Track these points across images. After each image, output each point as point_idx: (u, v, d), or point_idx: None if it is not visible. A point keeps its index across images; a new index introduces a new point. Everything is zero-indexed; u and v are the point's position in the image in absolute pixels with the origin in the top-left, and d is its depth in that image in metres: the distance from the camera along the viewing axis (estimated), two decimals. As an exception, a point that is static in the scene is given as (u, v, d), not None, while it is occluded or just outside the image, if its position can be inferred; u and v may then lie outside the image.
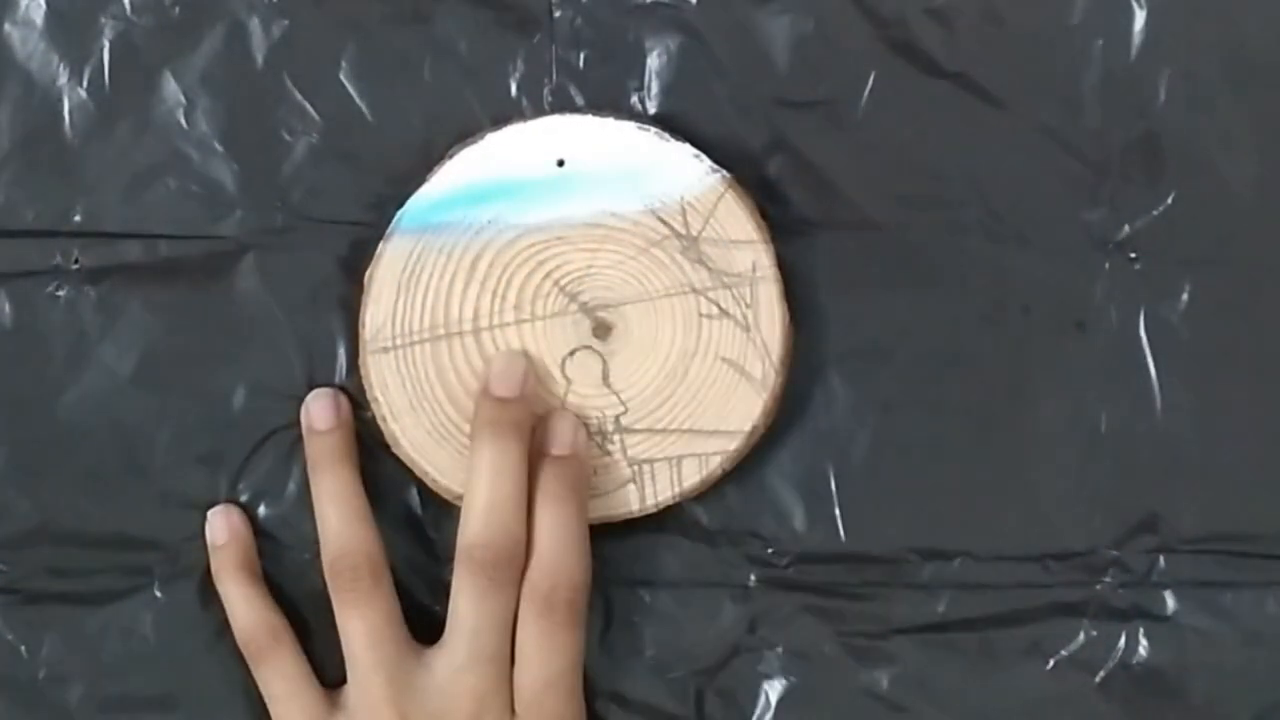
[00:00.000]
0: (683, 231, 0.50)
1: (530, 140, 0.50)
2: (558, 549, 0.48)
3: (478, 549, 0.48)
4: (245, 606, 0.51)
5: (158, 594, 0.52)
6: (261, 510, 0.52)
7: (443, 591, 0.50)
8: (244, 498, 0.52)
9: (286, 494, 0.52)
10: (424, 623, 0.50)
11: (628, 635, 0.52)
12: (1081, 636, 0.51)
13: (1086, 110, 0.51)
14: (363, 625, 0.49)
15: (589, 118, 0.51)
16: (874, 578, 0.52)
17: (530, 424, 0.49)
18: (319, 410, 0.51)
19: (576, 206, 0.50)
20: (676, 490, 0.50)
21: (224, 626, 0.51)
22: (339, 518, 0.49)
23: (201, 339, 0.52)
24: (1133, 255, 0.51)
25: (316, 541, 0.51)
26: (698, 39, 0.51)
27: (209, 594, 0.52)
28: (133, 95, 0.52)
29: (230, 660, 0.52)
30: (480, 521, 0.48)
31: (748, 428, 0.50)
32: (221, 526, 0.51)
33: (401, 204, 0.50)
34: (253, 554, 0.52)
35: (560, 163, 0.50)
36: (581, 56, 0.52)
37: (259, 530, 0.52)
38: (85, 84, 0.52)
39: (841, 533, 0.52)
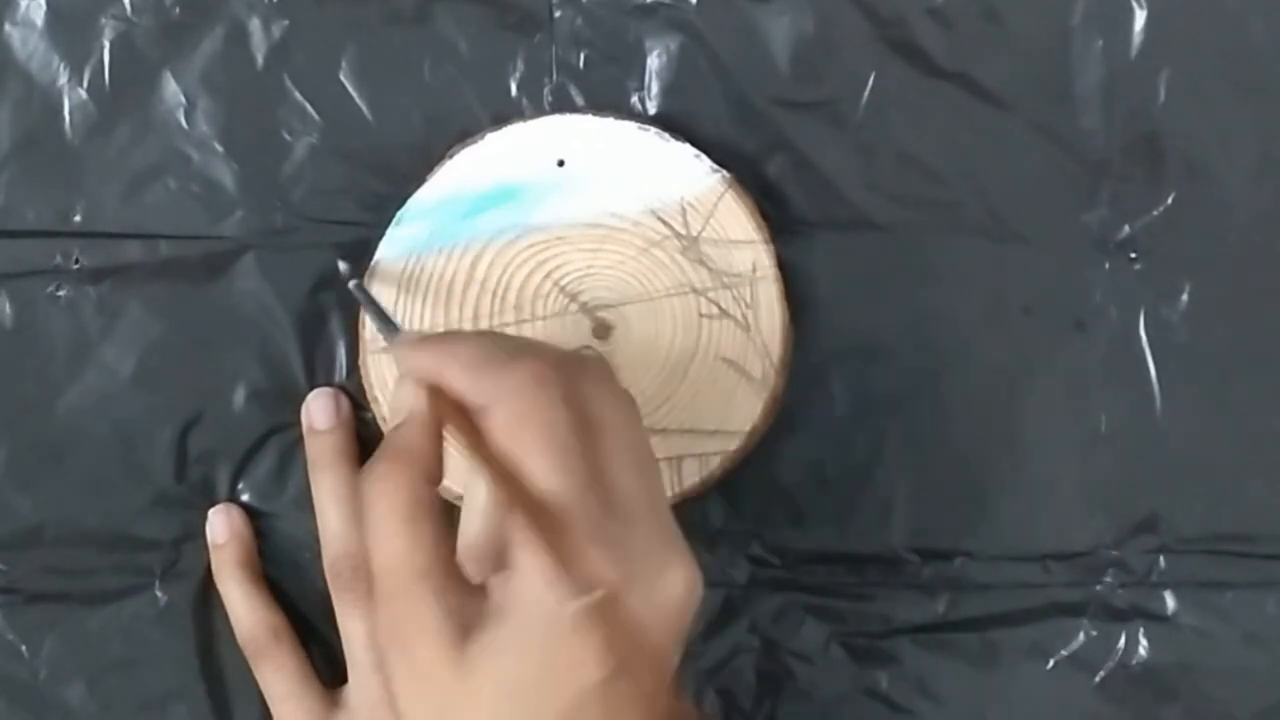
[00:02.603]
0: (683, 231, 0.50)
1: (530, 140, 0.50)
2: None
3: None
4: (246, 606, 0.51)
5: (158, 594, 0.52)
6: (262, 510, 0.52)
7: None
8: (244, 498, 0.52)
9: (287, 494, 0.52)
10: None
11: (628, 635, 0.52)
12: (1081, 636, 0.51)
13: (1086, 110, 0.51)
14: (363, 625, 0.49)
15: (589, 118, 0.51)
16: (874, 578, 0.52)
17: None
18: (319, 410, 0.51)
19: (577, 207, 0.50)
20: (676, 490, 0.50)
21: (224, 626, 0.51)
22: (339, 517, 0.50)
23: (201, 339, 0.52)
24: (1133, 255, 0.51)
25: (317, 541, 0.51)
26: (698, 39, 0.51)
27: (209, 594, 0.52)
28: (133, 95, 0.52)
29: (230, 660, 0.52)
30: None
31: (748, 428, 0.50)
32: (222, 526, 0.51)
33: (401, 204, 0.51)
34: (253, 554, 0.52)
35: (560, 163, 0.50)
36: (581, 56, 0.52)
37: (259, 530, 0.52)
38: (85, 84, 0.52)
39: (841, 533, 0.52)
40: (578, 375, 0.39)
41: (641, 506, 0.38)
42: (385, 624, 0.38)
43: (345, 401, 0.51)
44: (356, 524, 0.48)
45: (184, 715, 0.52)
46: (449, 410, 0.39)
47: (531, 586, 0.36)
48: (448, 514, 0.49)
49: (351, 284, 0.48)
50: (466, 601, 0.37)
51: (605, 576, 0.36)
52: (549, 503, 0.37)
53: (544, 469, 0.37)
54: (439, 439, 0.39)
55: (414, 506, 0.38)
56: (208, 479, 0.52)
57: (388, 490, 0.38)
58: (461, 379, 0.39)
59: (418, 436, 0.39)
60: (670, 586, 0.38)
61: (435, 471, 0.39)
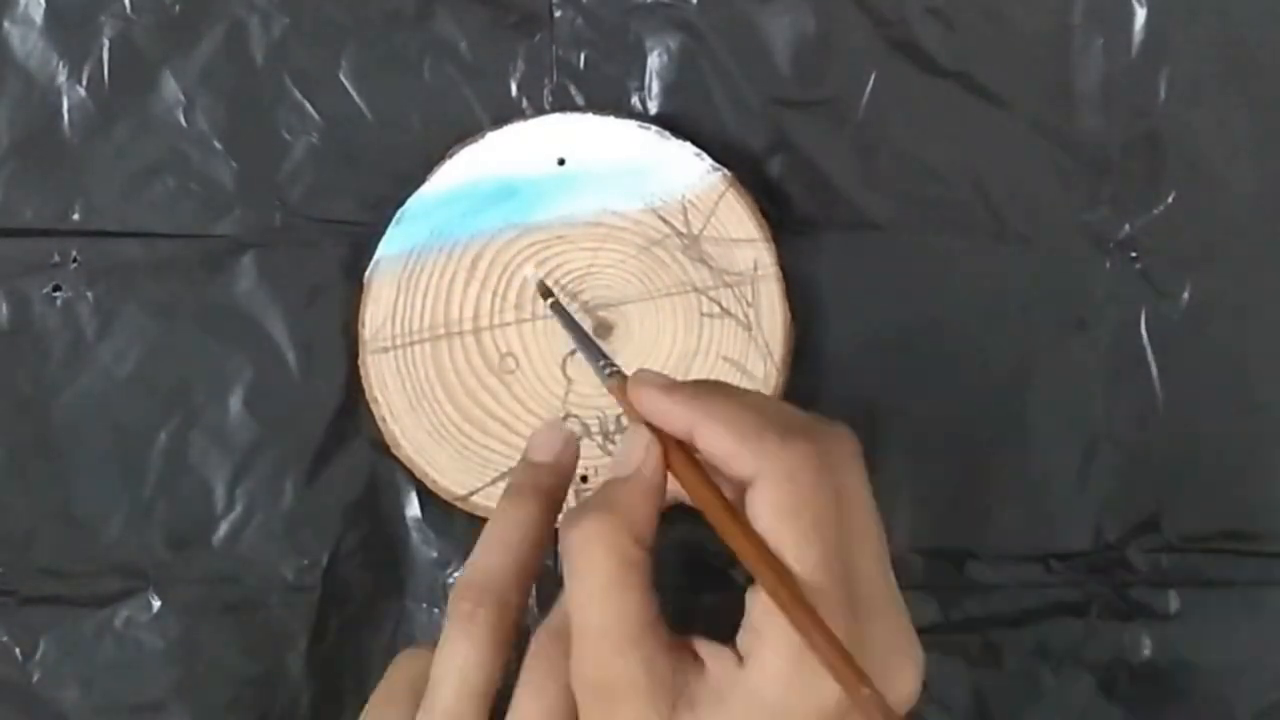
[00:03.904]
0: (684, 230, 0.50)
1: (531, 139, 0.50)
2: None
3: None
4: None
5: (152, 599, 0.52)
6: (259, 514, 0.52)
7: (443, 595, 0.50)
8: (241, 501, 0.52)
9: (285, 496, 0.52)
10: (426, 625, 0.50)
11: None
12: (1085, 636, 0.51)
13: (1087, 110, 0.51)
14: (462, 652, 0.40)
15: (589, 117, 0.51)
16: (876, 579, 0.52)
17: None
18: (541, 442, 0.43)
19: (577, 205, 0.50)
20: (678, 490, 0.50)
21: (217, 631, 0.51)
22: (487, 549, 0.41)
23: (200, 339, 0.52)
24: (1133, 254, 0.52)
25: (314, 548, 0.50)
26: (698, 39, 0.51)
27: (204, 597, 0.51)
28: (132, 94, 0.51)
29: (222, 667, 0.51)
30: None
31: (749, 427, 0.50)
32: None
33: (401, 204, 0.50)
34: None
35: (561, 162, 0.50)
36: (582, 56, 0.52)
37: (259, 533, 0.52)
38: (84, 82, 0.51)
39: (843, 533, 0.52)
40: (837, 457, 0.37)
41: (881, 599, 0.36)
42: (592, 688, 0.36)
43: (570, 447, 0.43)
44: (506, 561, 0.41)
45: (179, 720, 0.52)
46: (691, 474, 0.36)
47: (769, 680, 0.34)
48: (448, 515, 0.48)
49: (549, 303, 0.47)
50: (676, 670, 0.36)
51: (850, 676, 0.34)
52: (809, 594, 0.34)
53: (811, 562, 0.34)
54: (660, 500, 0.37)
55: (625, 571, 0.35)
56: (204, 482, 0.52)
57: (597, 553, 0.36)
58: (728, 444, 0.36)
59: (639, 496, 0.36)
60: (902, 686, 0.36)
61: (649, 535, 0.36)
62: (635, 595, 0.36)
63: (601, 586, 0.36)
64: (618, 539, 0.36)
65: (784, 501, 0.35)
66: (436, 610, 0.51)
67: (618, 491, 0.37)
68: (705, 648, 0.36)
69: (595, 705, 0.36)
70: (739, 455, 0.36)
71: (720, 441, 0.36)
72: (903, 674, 0.36)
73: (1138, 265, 0.52)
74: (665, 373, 0.45)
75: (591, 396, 0.50)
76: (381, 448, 0.51)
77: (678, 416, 0.37)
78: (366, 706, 0.45)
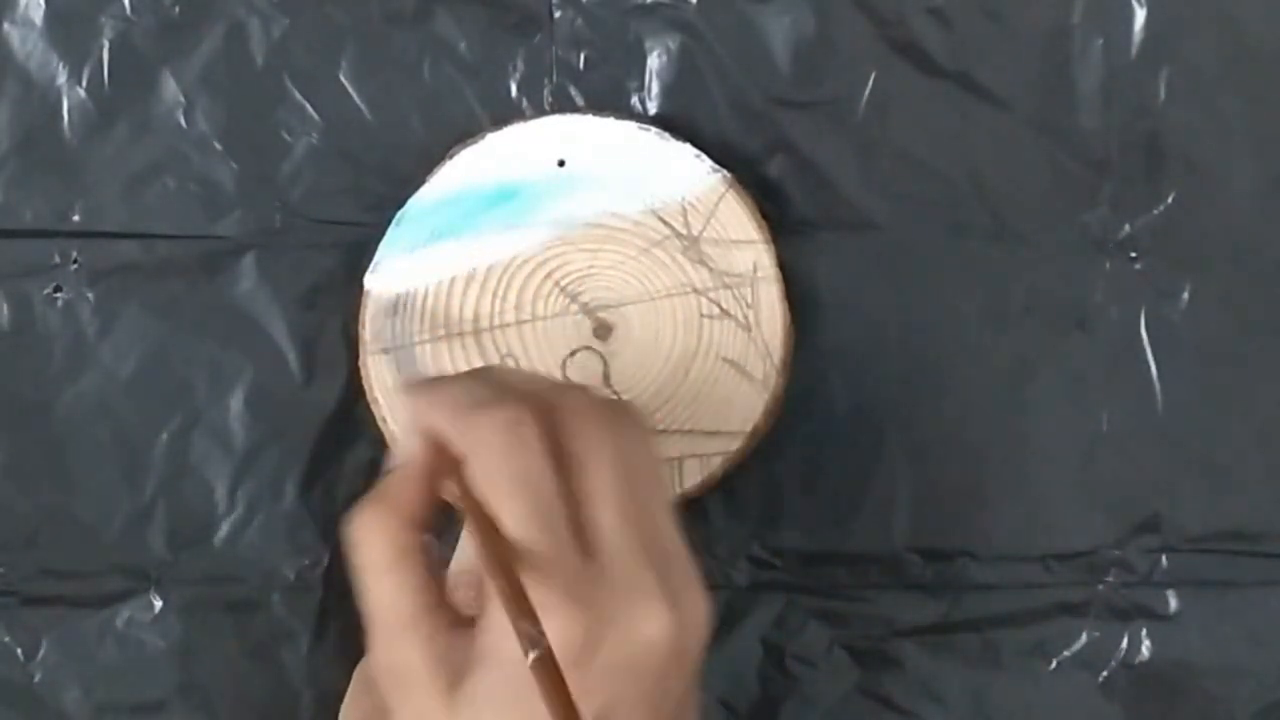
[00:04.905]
0: (684, 231, 0.50)
1: (530, 140, 0.50)
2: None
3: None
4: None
5: (153, 599, 0.52)
6: (260, 515, 0.52)
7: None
8: (243, 501, 0.52)
9: (286, 497, 0.52)
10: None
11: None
12: (1084, 637, 0.51)
13: (1087, 110, 0.51)
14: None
15: (589, 118, 0.51)
16: (875, 579, 0.52)
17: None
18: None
19: (577, 207, 0.50)
20: (677, 491, 0.50)
21: (218, 632, 0.51)
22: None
23: (200, 340, 0.52)
24: (1133, 255, 0.52)
25: (315, 548, 0.50)
26: (698, 39, 0.51)
27: (206, 597, 0.52)
28: (132, 95, 0.52)
29: (224, 666, 0.51)
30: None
31: (749, 428, 0.50)
32: None
33: (401, 204, 0.50)
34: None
35: (561, 163, 0.50)
36: (581, 56, 0.52)
37: (260, 532, 0.52)
38: (84, 83, 0.51)
39: (842, 534, 0.52)
40: (558, 411, 0.38)
41: (620, 544, 0.37)
42: (383, 668, 0.38)
43: None
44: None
45: (180, 720, 0.52)
46: (442, 457, 0.38)
47: (500, 635, 0.36)
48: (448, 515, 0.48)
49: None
50: (457, 645, 0.37)
51: (573, 624, 0.35)
52: (523, 551, 0.36)
53: (515, 518, 0.36)
54: (429, 485, 0.38)
55: (397, 555, 0.37)
56: (205, 482, 0.52)
57: (371, 538, 0.37)
58: (445, 427, 0.38)
59: (405, 483, 0.38)
60: (646, 628, 0.37)
61: (421, 517, 0.38)
62: (410, 578, 0.37)
63: (377, 571, 0.37)
64: (388, 525, 0.37)
65: (484, 468, 0.37)
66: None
67: (390, 481, 0.38)
68: (482, 619, 0.37)
69: (388, 688, 0.38)
70: (454, 435, 0.38)
71: (442, 426, 0.38)
72: (646, 617, 0.37)
73: (1138, 265, 0.52)
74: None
75: (591, 397, 0.50)
76: (382, 448, 0.51)
77: (417, 409, 0.39)
78: (340, 713, 0.45)
